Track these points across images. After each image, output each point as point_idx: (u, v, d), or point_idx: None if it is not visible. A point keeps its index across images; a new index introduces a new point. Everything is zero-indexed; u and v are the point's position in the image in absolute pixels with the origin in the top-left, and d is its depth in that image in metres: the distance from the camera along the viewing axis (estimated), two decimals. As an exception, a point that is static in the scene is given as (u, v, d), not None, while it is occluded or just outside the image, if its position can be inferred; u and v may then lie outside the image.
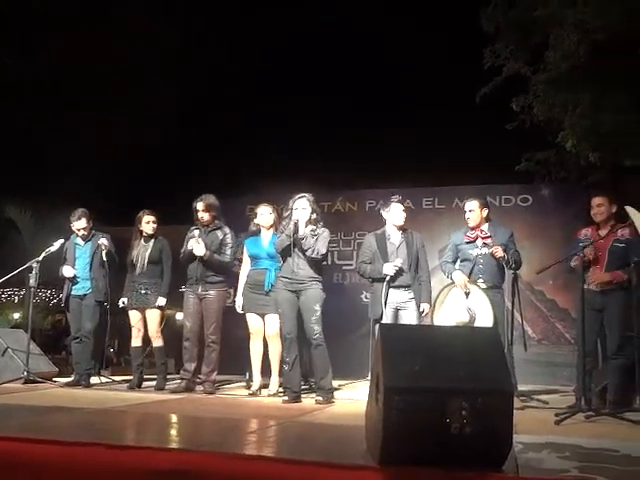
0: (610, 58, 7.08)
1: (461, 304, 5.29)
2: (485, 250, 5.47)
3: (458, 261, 5.66)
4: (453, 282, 5.46)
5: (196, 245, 5.90)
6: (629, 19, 6.51)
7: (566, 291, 7.55)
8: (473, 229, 5.55)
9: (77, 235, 6.57)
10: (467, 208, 5.60)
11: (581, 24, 6.83)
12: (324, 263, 5.62)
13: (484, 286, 5.38)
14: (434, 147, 14.23)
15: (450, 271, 5.56)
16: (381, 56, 15.83)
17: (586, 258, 4.95)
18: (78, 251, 6.57)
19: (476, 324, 5.13)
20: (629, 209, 4.65)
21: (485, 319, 5.13)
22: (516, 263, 5.42)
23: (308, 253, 5.22)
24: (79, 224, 6.49)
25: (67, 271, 6.47)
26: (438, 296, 5.50)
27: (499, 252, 5.35)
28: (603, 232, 5.21)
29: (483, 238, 5.51)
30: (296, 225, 5.24)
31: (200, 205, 6.05)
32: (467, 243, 5.55)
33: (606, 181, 8.13)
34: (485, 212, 5.56)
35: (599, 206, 5.25)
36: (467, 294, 5.31)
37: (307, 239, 5.21)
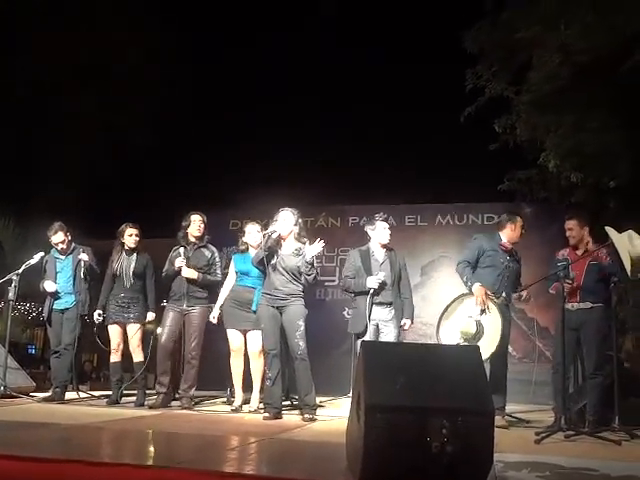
0: (592, 79, 7.18)
1: (472, 316, 5.20)
2: (512, 265, 5.52)
3: (475, 267, 5.54)
4: (470, 292, 5.34)
5: (185, 269, 5.93)
6: (611, 41, 6.61)
7: (547, 310, 7.59)
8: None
9: (56, 249, 6.52)
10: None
11: (564, 46, 6.92)
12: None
13: (504, 302, 5.38)
14: (417, 165, 14.32)
15: (470, 280, 5.37)
16: (363, 75, 15.94)
17: (567, 288, 5.02)
18: (59, 265, 6.51)
19: (482, 340, 5.06)
20: (609, 230, 4.72)
21: (492, 337, 5.09)
22: None
23: (310, 279, 5.26)
24: (56, 238, 6.43)
25: (49, 286, 6.39)
26: (450, 304, 5.39)
27: (527, 300, 5.57)
28: (580, 252, 5.33)
29: (515, 252, 5.59)
30: (271, 238, 5.25)
31: (194, 217, 6.11)
32: (503, 251, 5.51)
33: (588, 201, 8.22)
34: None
35: (570, 230, 5.40)
36: (482, 310, 5.21)
37: (309, 266, 5.22)
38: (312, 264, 5.23)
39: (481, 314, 5.20)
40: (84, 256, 6.32)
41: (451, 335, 5.22)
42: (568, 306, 5.13)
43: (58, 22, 12.58)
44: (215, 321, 6.05)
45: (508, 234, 5.59)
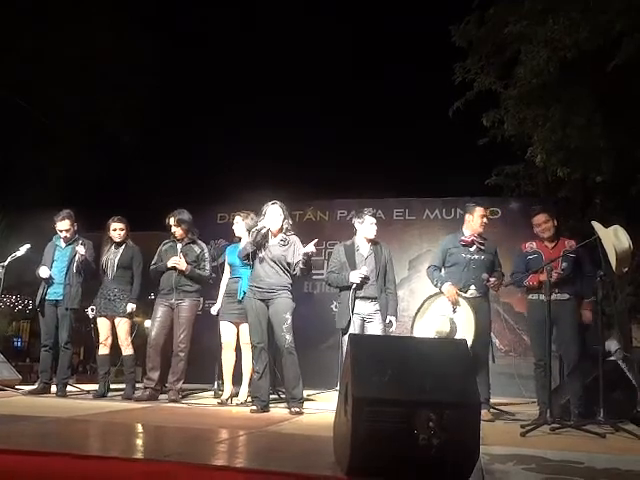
0: (579, 75, 7.22)
1: (445, 315, 5.29)
2: (477, 256, 5.53)
3: (444, 268, 5.62)
4: (441, 292, 5.44)
5: (179, 260, 5.95)
6: (595, 38, 6.64)
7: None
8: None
9: (60, 236, 6.45)
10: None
11: (551, 41, 6.95)
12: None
13: (476, 294, 5.42)
14: (406, 159, 14.38)
15: (440, 281, 5.50)
16: (352, 70, 15.99)
17: (552, 279, 5.03)
18: (58, 253, 6.42)
19: (457, 336, 5.12)
20: (595, 224, 4.74)
21: (466, 333, 5.14)
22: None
23: (304, 270, 5.27)
24: (62, 225, 6.35)
25: (43, 271, 6.30)
26: (422, 304, 5.47)
27: (495, 287, 5.51)
28: (549, 244, 5.36)
29: (479, 243, 5.57)
30: (260, 233, 5.26)
31: (172, 220, 6.14)
32: (463, 246, 5.55)
33: (574, 196, 8.28)
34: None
35: (546, 222, 5.39)
36: (454, 308, 5.30)
37: (305, 261, 5.22)
38: (305, 261, 5.23)
39: (453, 312, 5.30)
40: (80, 249, 6.22)
41: (425, 334, 5.26)
42: (543, 298, 5.13)
43: (42, 22, 12.50)
44: (215, 313, 6.16)
45: (469, 226, 5.65)
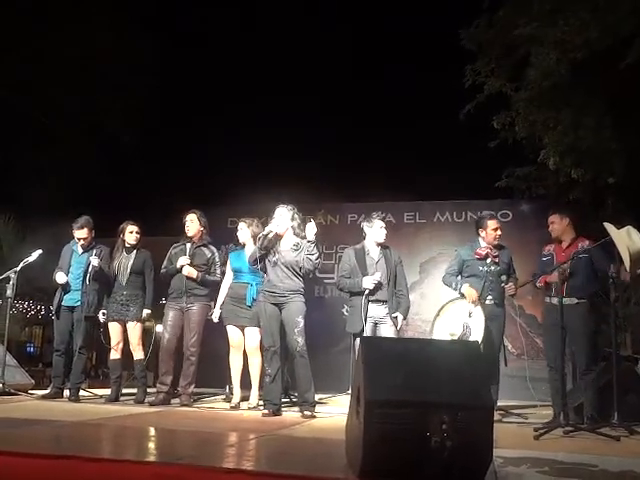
0: (590, 76, 7.18)
1: (460, 318, 5.33)
2: (493, 268, 5.57)
3: (460, 276, 5.69)
4: (462, 295, 5.49)
5: (187, 267, 5.95)
6: (605, 39, 6.60)
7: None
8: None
9: (77, 242, 6.43)
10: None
11: (561, 42, 6.92)
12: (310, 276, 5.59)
13: (493, 302, 5.50)
14: (416, 162, 14.33)
15: (458, 284, 5.58)
16: (362, 72, 15.98)
17: (555, 280, 5.04)
18: (75, 259, 6.39)
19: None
20: (608, 226, 4.71)
21: (477, 339, 5.15)
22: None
23: (314, 259, 5.27)
24: (80, 233, 6.32)
25: (60, 277, 6.27)
26: (443, 306, 5.55)
27: (512, 290, 5.55)
28: (564, 245, 5.40)
29: (493, 256, 5.61)
30: (267, 238, 5.27)
31: (193, 215, 6.14)
32: (478, 259, 5.60)
33: (586, 198, 8.23)
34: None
35: (552, 223, 5.47)
36: (470, 311, 5.35)
37: (312, 246, 5.25)
38: (315, 243, 5.24)
39: (469, 316, 5.35)
40: (94, 260, 6.17)
41: (441, 334, 5.37)
42: (554, 301, 5.11)
43: (42, 22, 12.54)
44: (217, 320, 6.06)
45: (484, 238, 5.69)
